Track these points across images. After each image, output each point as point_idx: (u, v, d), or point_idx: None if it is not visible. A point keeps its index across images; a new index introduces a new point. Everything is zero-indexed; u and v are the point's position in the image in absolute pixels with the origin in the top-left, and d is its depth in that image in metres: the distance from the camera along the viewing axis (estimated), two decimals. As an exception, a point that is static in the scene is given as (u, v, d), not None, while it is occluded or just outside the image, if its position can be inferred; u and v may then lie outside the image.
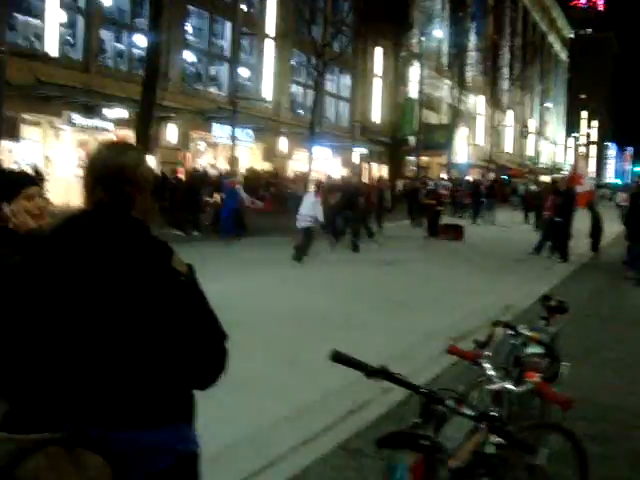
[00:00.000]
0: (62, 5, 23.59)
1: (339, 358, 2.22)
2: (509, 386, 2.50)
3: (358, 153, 39.80)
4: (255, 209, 20.75)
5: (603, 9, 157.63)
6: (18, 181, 2.62)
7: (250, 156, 34.50)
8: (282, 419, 4.92)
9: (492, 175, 52.02)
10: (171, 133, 28.50)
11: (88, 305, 1.84)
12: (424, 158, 46.75)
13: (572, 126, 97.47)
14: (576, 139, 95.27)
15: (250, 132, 31.77)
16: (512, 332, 3.48)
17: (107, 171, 1.94)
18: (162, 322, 1.86)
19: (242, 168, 32.67)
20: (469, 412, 2.11)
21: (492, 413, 2.27)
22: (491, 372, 2.56)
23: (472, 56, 50.43)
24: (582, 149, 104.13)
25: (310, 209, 14.21)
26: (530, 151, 77.38)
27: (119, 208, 1.92)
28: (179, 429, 1.93)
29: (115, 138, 24.76)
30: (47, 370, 1.85)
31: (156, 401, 1.89)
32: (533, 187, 31.50)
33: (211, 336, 1.96)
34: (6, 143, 20.53)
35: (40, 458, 1.73)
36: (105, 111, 24.81)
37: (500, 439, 2.14)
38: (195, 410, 2.00)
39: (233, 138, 23.39)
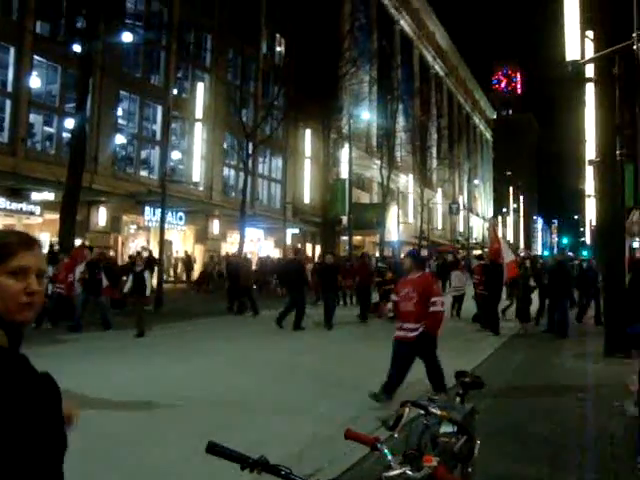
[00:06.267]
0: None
1: (214, 450, 2.08)
2: (408, 472, 2.38)
3: (290, 233, 40.05)
4: None
5: (521, 93, 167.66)
6: None
7: (182, 239, 34.32)
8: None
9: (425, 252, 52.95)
10: (101, 217, 28.14)
11: None
12: (357, 237, 47.34)
13: (500, 202, 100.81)
14: (503, 214, 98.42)
15: (182, 215, 31.70)
16: (422, 411, 3.33)
17: None
18: None
19: (174, 251, 32.50)
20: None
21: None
22: (389, 457, 2.44)
23: (400, 137, 52.02)
24: (509, 222, 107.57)
25: None
26: (461, 227, 79.44)
27: None
28: None
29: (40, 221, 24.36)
30: None
31: None
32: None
33: None
34: None
35: None
36: (33, 195, 24.40)
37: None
38: None
39: (163, 221, 23.12)
